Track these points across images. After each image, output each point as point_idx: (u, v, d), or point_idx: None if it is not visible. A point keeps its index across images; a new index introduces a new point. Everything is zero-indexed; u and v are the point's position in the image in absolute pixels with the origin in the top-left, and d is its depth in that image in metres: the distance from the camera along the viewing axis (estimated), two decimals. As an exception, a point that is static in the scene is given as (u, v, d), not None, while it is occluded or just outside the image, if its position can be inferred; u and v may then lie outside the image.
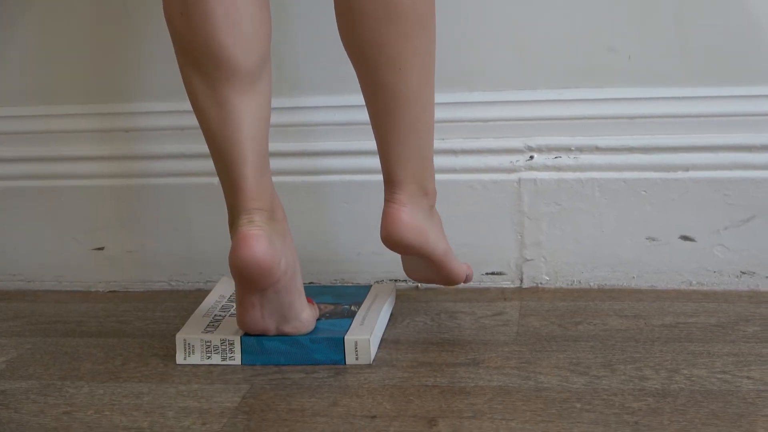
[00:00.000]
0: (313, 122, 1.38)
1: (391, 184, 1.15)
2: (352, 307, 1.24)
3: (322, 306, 1.25)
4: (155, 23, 1.36)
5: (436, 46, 1.15)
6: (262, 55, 1.09)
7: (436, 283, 1.24)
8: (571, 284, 1.35)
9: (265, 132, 1.12)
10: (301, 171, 1.38)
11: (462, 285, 1.31)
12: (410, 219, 1.13)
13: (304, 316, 1.16)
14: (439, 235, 1.18)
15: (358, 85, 1.15)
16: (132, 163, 1.42)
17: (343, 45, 1.13)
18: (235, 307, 1.22)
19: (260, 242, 1.08)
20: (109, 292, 1.45)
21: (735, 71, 1.30)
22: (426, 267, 1.20)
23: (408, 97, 1.12)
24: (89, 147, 1.43)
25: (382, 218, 1.14)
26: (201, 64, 1.07)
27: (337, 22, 1.12)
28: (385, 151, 1.15)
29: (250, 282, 1.09)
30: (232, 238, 1.10)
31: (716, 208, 1.31)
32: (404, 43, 1.10)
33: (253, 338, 1.16)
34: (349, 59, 1.14)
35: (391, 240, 1.14)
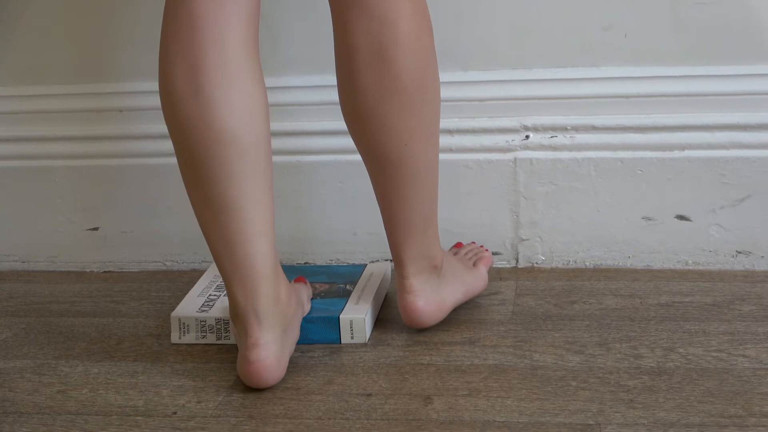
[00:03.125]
0: (308, 101, 1.37)
1: (399, 262, 1.14)
2: (347, 287, 1.24)
3: (317, 285, 1.25)
4: (150, 3, 1.36)
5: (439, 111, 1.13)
6: (260, 128, 1.03)
7: None
8: (567, 264, 1.35)
9: (271, 224, 1.05)
10: (296, 150, 1.38)
11: None
12: (425, 305, 1.14)
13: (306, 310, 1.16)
14: (454, 288, 1.18)
15: None
16: (126, 143, 1.42)
17: (346, 123, 1.11)
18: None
19: (269, 372, 1.04)
20: (104, 272, 1.44)
21: (731, 50, 1.29)
22: None
23: (413, 171, 1.10)
24: (83, 127, 1.42)
25: (400, 307, 1.15)
26: (198, 150, 1.02)
27: (340, 98, 1.11)
28: (391, 228, 1.14)
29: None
30: (236, 339, 1.07)
31: (712, 188, 1.31)
32: (408, 116, 1.07)
33: (248, 317, 1.16)
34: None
35: (413, 327, 1.16)
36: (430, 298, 1.15)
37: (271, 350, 1.04)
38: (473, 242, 1.31)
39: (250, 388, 1.06)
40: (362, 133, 1.10)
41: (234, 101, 1.01)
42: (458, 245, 1.30)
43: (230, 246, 1.04)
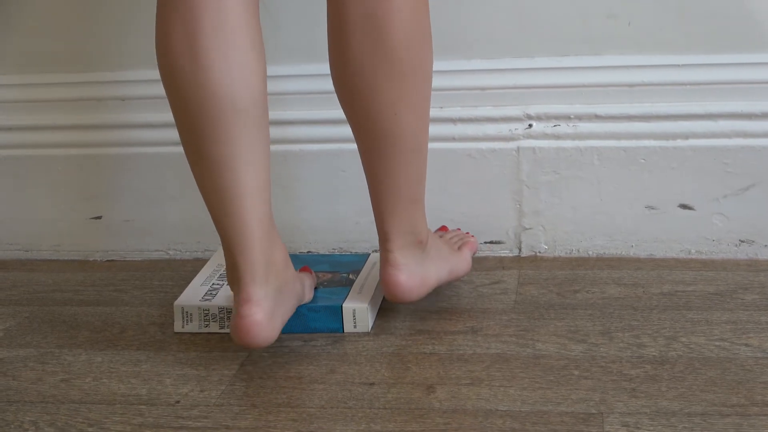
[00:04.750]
0: (308, 90, 1.37)
1: (384, 236, 1.14)
2: (350, 276, 1.24)
3: (320, 274, 1.25)
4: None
5: (432, 84, 1.12)
6: (256, 90, 1.03)
7: None
8: (570, 253, 1.35)
9: (266, 184, 1.06)
10: (297, 140, 1.37)
11: None
12: (408, 279, 1.14)
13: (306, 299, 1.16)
14: (438, 265, 1.18)
15: None
16: (130, 132, 1.42)
17: (336, 91, 1.11)
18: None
19: (259, 329, 1.04)
20: (107, 261, 1.44)
21: (735, 38, 1.29)
22: None
23: (403, 144, 1.10)
24: (86, 116, 1.42)
25: (382, 280, 1.14)
26: (194, 108, 1.02)
27: (331, 68, 1.10)
28: (377, 201, 1.13)
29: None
30: (233, 307, 1.06)
31: (715, 177, 1.30)
32: (399, 87, 1.07)
33: (251, 306, 1.16)
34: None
35: (395, 301, 1.15)
36: (413, 272, 1.14)
37: (263, 306, 1.04)
38: (458, 228, 1.31)
39: (253, 377, 1.06)
40: (353, 103, 1.09)
41: (231, 64, 1.01)
42: (443, 228, 1.30)
43: (223, 203, 1.04)
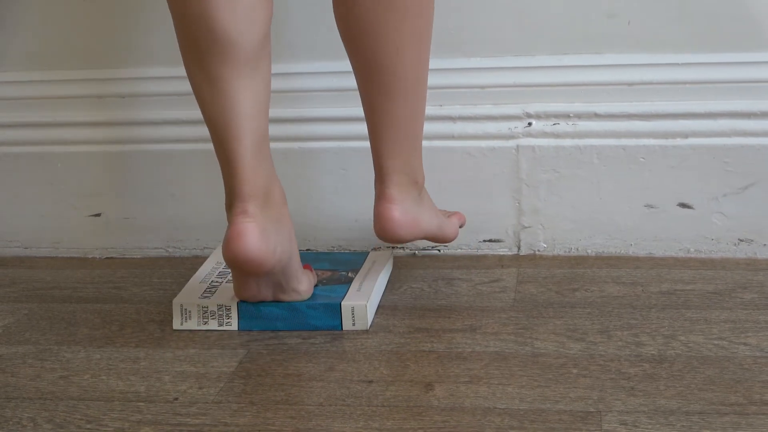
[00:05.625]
0: (309, 88, 1.37)
1: (381, 175, 1.15)
2: (350, 274, 1.24)
3: (319, 272, 1.25)
4: (152, -12, 1.36)
5: (433, 28, 1.14)
6: (260, 35, 1.07)
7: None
8: (569, 251, 1.35)
9: (264, 114, 1.10)
10: (298, 137, 1.38)
11: (460, 250, 1.36)
12: (401, 215, 1.14)
13: (303, 287, 1.16)
14: (430, 214, 1.20)
15: None
16: (129, 130, 1.42)
17: (340, 31, 1.12)
18: (231, 274, 1.22)
19: (252, 237, 1.06)
20: (106, 258, 1.44)
21: (735, 37, 1.29)
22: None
23: (405, 79, 1.11)
24: (86, 113, 1.42)
25: (375, 215, 1.15)
26: (199, 43, 1.06)
27: (334, 9, 1.11)
28: (377, 137, 1.15)
29: (244, 272, 1.10)
30: (227, 224, 1.09)
31: (715, 176, 1.30)
32: (401, 26, 1.09)
33: (249, 304, 1.16)
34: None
35: (385, 237, 1.16)
36: (407, 210, 1.15)
37: (258, 220, 1.07)
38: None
39: (251, 374, 1.06)
40: (355, 40, 1.11)
41: (237, 6, 1.03)
42: None
43: (222, 126, 1.07)
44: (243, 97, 1.07)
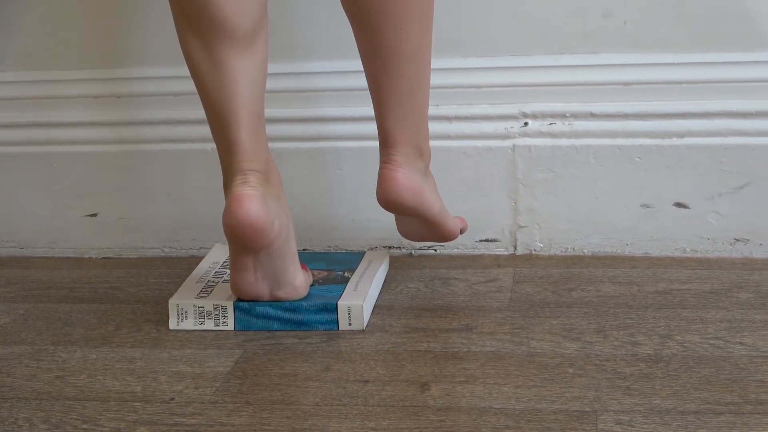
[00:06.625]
0: (308, 88, 1.37)
1: (387, 145, 1.15)
2: (346, 274, 1.24)
3: (315, 272, 1.25)
4: (148, -12, 1.36)
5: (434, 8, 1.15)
6: (257, 16, 1.08)
7: (431, 241, 1.24)
8: (565, 251, 1.35)
9: (261, 94, 1.11)
10: (294, 137, 1.38)
11: (456, 250, 1.35)
12: (406, 179, 1.14)
13: (298, 281, 1.16)
14: (434, 195, 1.19)
15: (357, 52, 1.15)
16: (125, 129, 1.42)
17: (344, 7, 1.13)
18: (228, 273, 1.22)
19: (254, 202, 1.07)
20: (102, 258, 1.44)
21: (731, 37, 1.29)
22: (421, 226, 1.21)
23: (407, 57, 1.12)
24: (83, 113, 1.42)
25: (379, 178, 1.15)
26: (197, 24, 1.06)
27: None
28: (382, 111, 1.15)
29: (244, 242, 1.09)
30: (226, 198, 1.09)
31: (711, 175, 1.30)
32: (404, 3, 1.10)
33: (246, 304, 1.16)
34: (349, 23, 1.13)
35: (387, 200, 1.15)
36: (412, 176, 1.15)
37: (258, 191, 1.07)
38: None
39: (247, 374, 1.06)
40: (360, 17, 1.11)
41: None
42: None
43: (222, 105, 1.08)
44: (242, 77, 1.08)
